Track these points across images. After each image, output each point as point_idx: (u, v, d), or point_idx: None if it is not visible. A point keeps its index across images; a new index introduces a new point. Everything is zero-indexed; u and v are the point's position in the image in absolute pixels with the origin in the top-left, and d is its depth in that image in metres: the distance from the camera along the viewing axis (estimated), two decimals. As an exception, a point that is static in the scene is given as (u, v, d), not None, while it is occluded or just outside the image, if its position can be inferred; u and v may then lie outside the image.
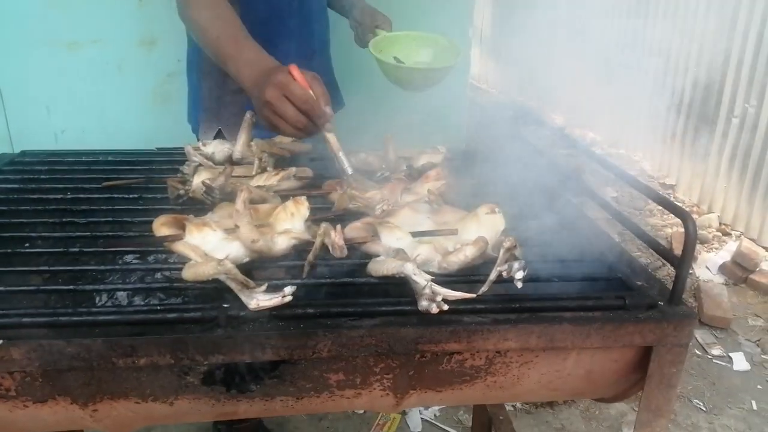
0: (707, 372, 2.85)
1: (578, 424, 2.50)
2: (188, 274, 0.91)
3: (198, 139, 1.73)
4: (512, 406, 2.51)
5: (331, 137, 1.23)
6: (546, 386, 1.00)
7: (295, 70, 1.19)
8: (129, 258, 1.07)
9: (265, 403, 0.94)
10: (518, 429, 1.77)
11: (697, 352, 2.97)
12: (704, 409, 2.61)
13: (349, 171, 1.23)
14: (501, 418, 1.76)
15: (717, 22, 4.14)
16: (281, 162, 1.41)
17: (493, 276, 0.92)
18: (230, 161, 1.36)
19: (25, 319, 0.84)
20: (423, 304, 0.87)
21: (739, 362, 2.91)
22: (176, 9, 1.45)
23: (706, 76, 4.27)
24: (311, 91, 1.18)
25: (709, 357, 2.95)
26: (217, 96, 1.72)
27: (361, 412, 2.46)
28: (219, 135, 1.73)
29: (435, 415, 2.49)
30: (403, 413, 2.45)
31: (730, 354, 2.96)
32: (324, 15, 1.87)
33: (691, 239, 0.91)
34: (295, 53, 1.42)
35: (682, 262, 0.93)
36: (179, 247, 0.97)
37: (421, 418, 2.46)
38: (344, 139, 1.30)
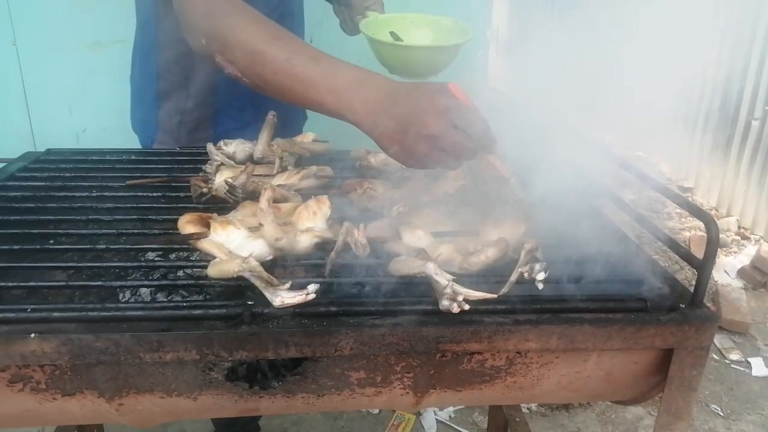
0: (725, 377, 2.82)
1: (594, 428, 2.49)
2: (213, 271, 0.92)
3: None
4: (527, 408, 2.51)
5: (495, 159, 1.02)
6: (565, 387, 1.01)
7: (456, 88, 0.96)
8: (151, 255, 1.09)
9: (286, 400, 0.96)
10: None
11: (715, 356, 2.95)
12: (722, 414, 2.59)
13: (521, 196, 1.05)
14: (517, 420, 1.76)
15: (737, 24, 4.10)
16: (301, 161, 1.42)
17: (514, 277, 0.93)
18: (251, 160, 1.38)
19: (55, 314, 0.86)
20: (444, 303, 0.88)
21: (758, 367, 2.88)
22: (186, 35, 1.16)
23: (725, 78, 4.23)
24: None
25: (727, 362, 2.93)
26: (178, 122, 1.59)
27: (376, 411, 2.47)
28: None
29: (450, 417, 2.50)
30: (418, 414, 2.45)
31: (749, 359, 2.93)
32: (302, 17, 1.70)
33: (713, 242, 0.91)
34: None
35: (704, 264, 0.93)
36: (204, 244, 0.98)
37: (436, 419, 2.46)
38: (353, 140, 1.26)
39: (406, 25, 1.55)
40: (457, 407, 2.52)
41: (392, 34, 1.49)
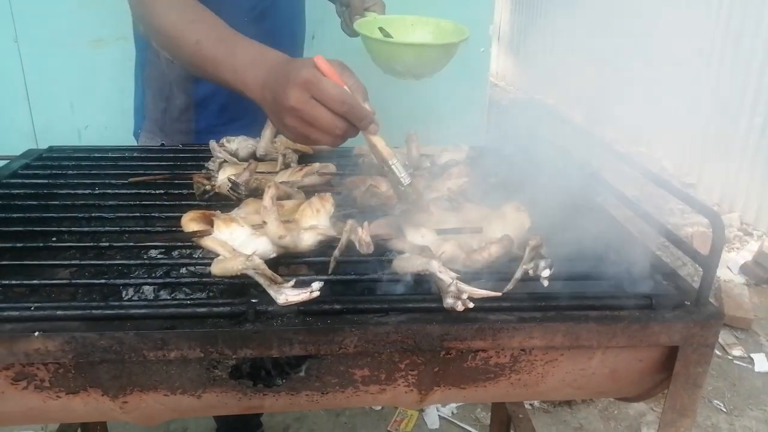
0: (728, 373, 2.82)
1: (597, 424, 2.49)
2: (217, 269, 0.92)
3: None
4: (530, 404, 2.51)
5: (378, 141, 1.00)
6: (570, 384, 1.00)
7: (322, 61, 0.95)
8: (154, 253, 1.09)
9: (290, 398, 0.95)
10: (536, 428, 1.77)
11: (718, 352, 2.95)
12: (725, 410, 2.59)
13: (406, 181, 1.02)
14: (520, 416, 1.76)
15: (741, 19, 4.09)
16: (304, 158, 1.42)
17: (518, 274, 0.92)
18: (254, 157, 1.37)
19: (59, 312, 0.85)
20: (448, 301, 0.88)
21: (761, 363, 2.88)
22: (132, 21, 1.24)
23: (728, 74, 4.22)
24: (346, 87, 0.95)
25: (730, 358, 2.92)
26: (162, 108, 1.59)
27: (379, 408, 2.47)
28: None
29: (453, 413, 2.50)
30: (421, 410, 2.45)
31: (752, 355, 2.93)
32: (300, 27, 1.71)
33: (719, 239, 0.90)
34: None
35: (709, 261, 0.92)
36: (208, 242, 0.98)
37: (439, 416, 2.46)
38: (356, 137, 1.26)
39: (405, 27, 1.53)
40: (460, 403, 2.52)
41: (381, 30, 1.46)
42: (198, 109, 1.61)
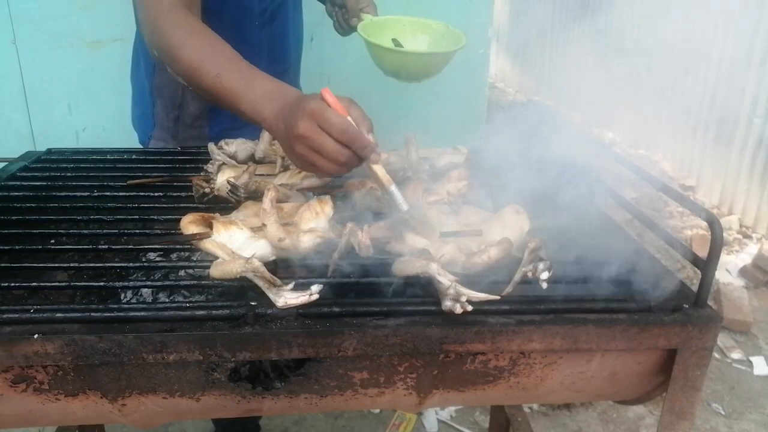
0: (727, 376, 2.82)
1: (596, 427, 2.48)
2: (216, 272, 0.92)
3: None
4: (529, 407, 2.51)
5: (378, 170, 1.05)
6: (569, 387, 1.00)
7: (328, 94, 1.01)
8: (153, 256, 1.09)
9: (289, 401, 0.95)
10: (535, 431, 1.77)
11: (716, 355, 2.95)
12: (723, 413, 2.59)
13: (404, 207, 1.04)
14: (519, 419, 1.76)
15: (740, 21, 4.10)
16: (303, 161, 1.41)
17: (518, 277, 0.92)
18: (253, 160, 1.37)
19: (58, 315, 0.85)
20: (447, 304, 0.88)
21: (760, 367, 2.88)
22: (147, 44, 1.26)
23: (728, 76, 4.23)
24: (350, 118, 1.01)
25: (729, 361, 2.92)
26: (175, 117, 1.62)
27: (377, 411, 2.47)
28: None
29: (451, 416, 2.50)
30: (420, 413, 2.45)
31: (750, 358, 2.93)
32: (300, 28, 1.74)
33: (717, 242, 0.91)
34: (266, 70, 1.20)
35: (708, 264, 0.92)
36: (207, 244, 0.98)
37: (438, 419, 2.46)
38: None
39: (401, 29, 1.57)
40: (459, 406, 2.52)
41: (394, 41, 1.51)
42: (211, 114, 1.62)
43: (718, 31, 4.31)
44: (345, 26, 1.64)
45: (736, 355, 2.95)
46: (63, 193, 1.28)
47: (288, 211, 1.11)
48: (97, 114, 2.33)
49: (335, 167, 1.01)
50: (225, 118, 1.61)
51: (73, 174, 1.39)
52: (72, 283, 0.99)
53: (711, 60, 4.42)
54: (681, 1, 4.64)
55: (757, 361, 2.91)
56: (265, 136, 1.39)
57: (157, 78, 1.60)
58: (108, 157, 1.51)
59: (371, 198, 1.20)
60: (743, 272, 3.63)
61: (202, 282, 0.98)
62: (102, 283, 0.99)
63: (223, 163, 1.34)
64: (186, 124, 1.62)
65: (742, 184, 4.16)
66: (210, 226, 1.02)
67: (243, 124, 1.58)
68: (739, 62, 4.09)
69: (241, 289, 0.94)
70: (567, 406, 2.55)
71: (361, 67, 2.01)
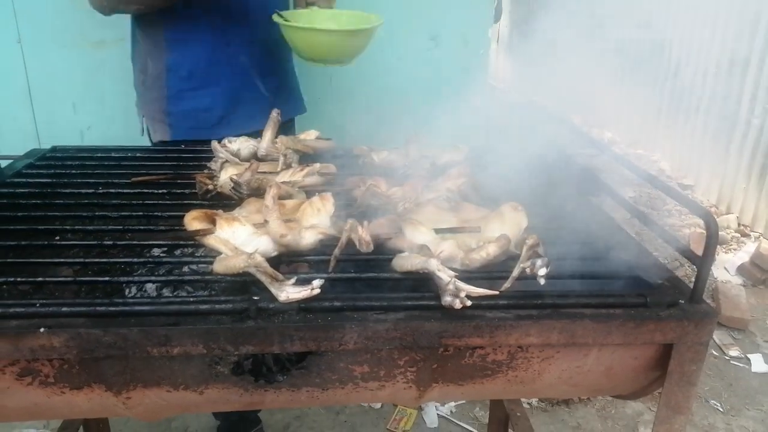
0: (725, 373, 2.83)
1: (594, 423, 2.50)
2: (219, 267, 0.94)
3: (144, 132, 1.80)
4: (528, 403, 2.52)
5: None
6: (566, 382, 1.02)
7: None
8: (157, 251, 1.11)
9: (291, 394, 0.97)
10: (534, 427, 1.78)
11: (714, 353, 2.96)
12: (721, 410, 2.61)
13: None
14: (518, 415, 1.78)
15: (738, 22, 4.11)
16: (305, 158, 1.43)
17: (516, 273, 0.94)
18: (255, 157, 1.39)
19: (64, 309, 0.87)
20: (446, 299, 0.89)
21: (758, 364, 2.89)
22: None
23: (726, 76, 4.24)
24: None
25: (727, 358, 2.94)
26: (141, 81, 1.74)
27: (378, 406, 2.48)
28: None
29: (451, 411, 2.51)
30: (420, 408, 2.47)
31: (748, 355, 2.95)
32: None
33: (712, 239, 0.92)
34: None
35: (703, 260, 0.94)
36: (210, 240, 1.00)
37: (438, 414, 2.47)
38: (366, 138, 1.26)
39: (324, 19, 1.63)
40: (459, 402, 2.53)
41: (277, 14, 1.55)
42: (169, 75, 1.68)
43: (717, 31, 4.32)
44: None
45: (734, 352, 2.97)
46: (68, 190, 1.29)
47: (290, 207, 1.12)
48: (101, 113, 2.34)
49: None
50: (180, 79, 1.68)
51: (78, 171, 1.40)
52: (77, 279, 1.00)
53: (710, 60, 4.43)
54: (683, 1, 4.65)
55: (755, 359, 2.92)
56: (268, 134, 1.40)
57: (133, 50, 1.72)
58: (112, 154, 1.53)
59: (372, 195, 1.22)
60: (741, 270, 3.64)
61: (206, 277, 1.00)
62: (107, 279, 1.00)
63: (226, 161, 1.35)
64: (147, 86, 1.70)
65: (740, 183, 4.17)
66: (213, 222, 1.04)
67: (198, 86, 1.69)
68: (738, 62, 4.10)
69: (244, 283, 0.96)
70: (566, 402, 2.57)
71: (362, 67, 2.03)
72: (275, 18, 1.54)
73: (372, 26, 1.56)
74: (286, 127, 1.77)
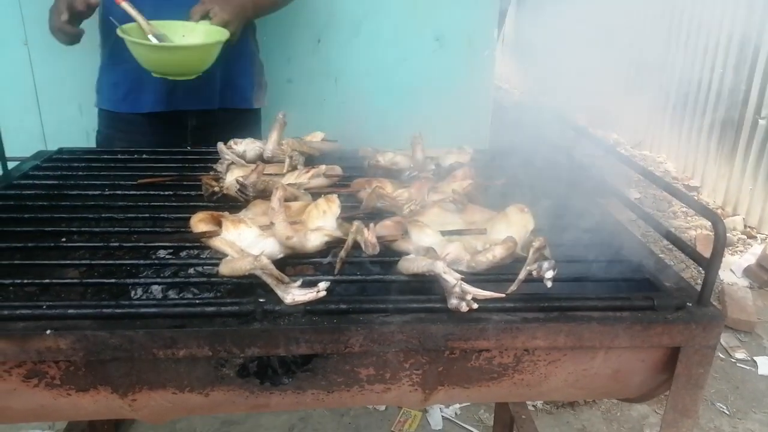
0: (731, 376, 2.82)
1: (599, 426, 2.49)
2: (225, 269, 0.94)
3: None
4: (533, 406, 2.52)
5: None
6: (573, 385, 1.01)
7: None
8: (163, 253, 1.11)
9: (296, 396, 0.97)
10: (539, 429, 1.78)
11: (721, 355, 2.94)
12: (728, 412, 2.59)
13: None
14: (523, 417, 1.77)
15: (744, 23, 4.09)
16: (311, 160, 1.43)
17: (522, 275, 0.94)
18: (261, 159, 1.39)
19: (70, 311, 0.87)
20: (453, 302, 0.89)
21: (764, 366, 2.88)
22: None
23: (733, 77, 4.22)
24: None
25: (733, 360, 2.92)
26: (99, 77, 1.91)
27: (383, 408, 2.48)
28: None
29: (456, 414, 2.51)
30: (425, 411, 2.46)
31: (755, 358, 2.93)
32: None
33: (720, 241, 0.92)
34: None
35: (711, 263, 0.94)
36: (216, 242, 0.99)
37: (442, 417, 2.47)
38: (371, 139, 1.26)
39: (174, 31, 1.61)
40: (464, 404, 2.52)
41: (121, 30, 1.52)
42: (102, 51, 1.89)
43: (723, 32, 4.31)
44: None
45: (740, 354, 2.95)
46: (74, 192, 1.30)
47: (296, 209, 1.12)
48: (106, 114, 2.35)
49: None
50: (104, 56, 1.86)
51: (85, 173, 1.41)
52: (83, 280, 1.00)
53: (716, 60, 4.42)
54: (687, 2, 4.63)
55: (762, 361, 2.90)
56: (273, 136, 1.40)
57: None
58: (119, 156, 1.53)
59: (378, 197, 1.21)
60: (747, 272, 3.62)
61: (212, 279, 1.00)
62: (113, 280, 1.00)
63: (232, 163, 1.36)
64: (99, 77, 1.86)
65: (746, 185, 4.15)
66: (219, 224, 1.04)
67: (114, 62, 1.82)
68: (745, 63, 4.09)
69: (250, 286, 0.96)
70: (571, 405, 2.56)
71: (367, 68, 2.02)
72: (118, 32, 1.51)
73: (194, 44, 1.55)
74: (232, 116, 1.84)
